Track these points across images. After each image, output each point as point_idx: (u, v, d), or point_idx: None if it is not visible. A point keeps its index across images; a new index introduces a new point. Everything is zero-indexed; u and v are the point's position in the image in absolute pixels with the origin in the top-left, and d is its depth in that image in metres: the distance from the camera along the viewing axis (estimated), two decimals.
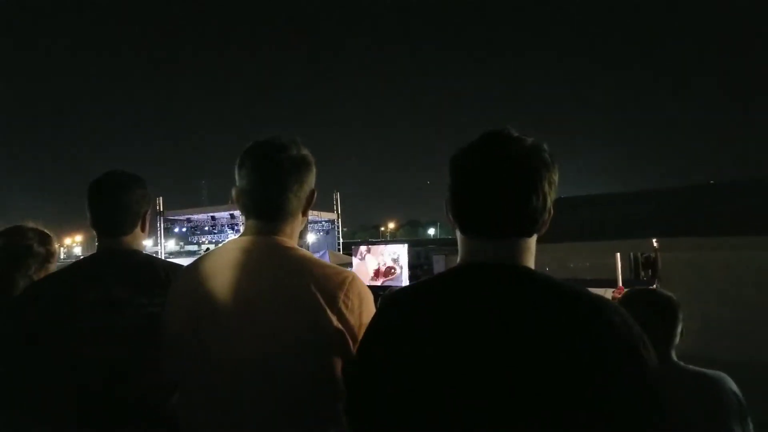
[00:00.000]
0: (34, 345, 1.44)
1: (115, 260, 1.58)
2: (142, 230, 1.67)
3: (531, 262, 0.99)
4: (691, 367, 1.73)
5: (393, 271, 8.39)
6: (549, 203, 0.98)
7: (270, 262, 1.22)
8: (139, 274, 1.54)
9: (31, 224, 2.07)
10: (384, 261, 8.50)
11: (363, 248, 8.77)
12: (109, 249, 1.60)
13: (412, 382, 0.91)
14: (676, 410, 1.53)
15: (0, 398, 1.49)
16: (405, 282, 8.04)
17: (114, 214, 1.60)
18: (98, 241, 1.62)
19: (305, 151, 1.31)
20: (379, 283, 8.01)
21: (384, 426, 0.94)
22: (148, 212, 1.70)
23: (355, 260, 8.93)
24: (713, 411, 1.61)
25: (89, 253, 1.68)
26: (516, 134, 0.99)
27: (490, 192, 0.96)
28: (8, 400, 1.48)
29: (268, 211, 1.27)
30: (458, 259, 1.03)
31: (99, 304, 1.46)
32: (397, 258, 8.38)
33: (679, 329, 1.79)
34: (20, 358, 1.46)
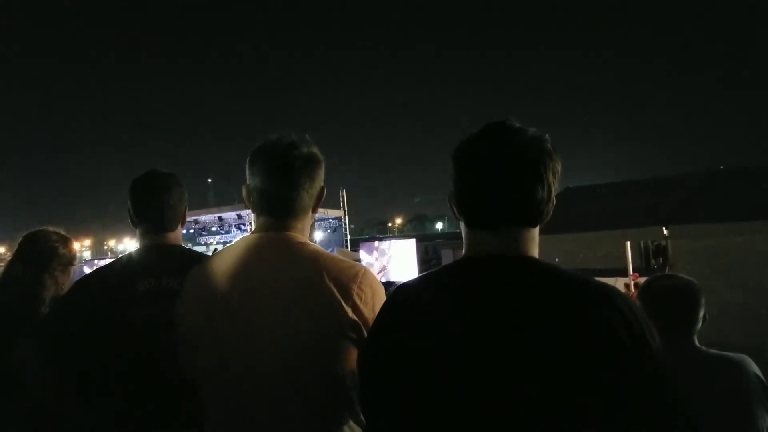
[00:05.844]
0: (91, 336, 1.50)
1: (161, 253, 1.66)
2: (182, 226, 1.77)
3: (535, 252, 0.99)
4: (712, 350, 1.70)
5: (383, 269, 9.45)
6: (553, 193, 0.98)
7: (284, 257, 1.24)
8: (184, 265, 1.58)
9: (51, 228, 2.16)
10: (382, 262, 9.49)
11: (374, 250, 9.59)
12: (156, 245, 1.68)
13: (417, 374, 0.92)
14: (696, 394, 1.50)
15: (60, 387, 1.55)
16: (394, 278, 8.93)
17: (162, 214, 1.67)
18: (142, 237, 1.69)
19: (315, 149, 1.34)
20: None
21: (393, 418, 0.96)
22: (186, 208, 1.79)
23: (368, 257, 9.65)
24: (735, 394, 1.58)
25: (97, 257, 1.72)
26: (518, 125, 0.99)
27: (494, 184, 0.96)
28: (68, 389, 1.53)
29: (280, 208, 1.29)
30: (463, 251, 1.04)
31: (150, 294, 1.54)
32: (389, 258, 9.63)
33: (700, 313, 1.76)
34: (79, 349, 1.52)
